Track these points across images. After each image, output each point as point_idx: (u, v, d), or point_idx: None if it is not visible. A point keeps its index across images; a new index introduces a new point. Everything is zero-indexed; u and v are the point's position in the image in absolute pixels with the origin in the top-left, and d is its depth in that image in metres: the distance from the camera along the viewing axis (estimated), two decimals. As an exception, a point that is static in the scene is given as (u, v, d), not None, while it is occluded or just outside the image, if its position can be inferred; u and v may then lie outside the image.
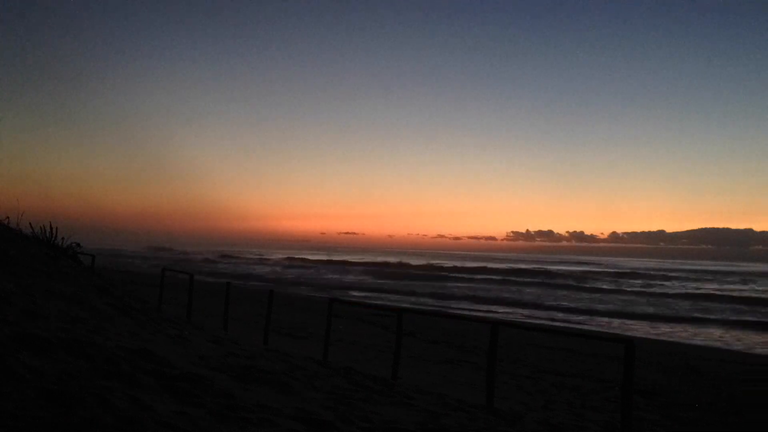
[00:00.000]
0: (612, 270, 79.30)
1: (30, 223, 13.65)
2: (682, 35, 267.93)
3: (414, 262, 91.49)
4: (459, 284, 50.35)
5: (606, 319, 28.23)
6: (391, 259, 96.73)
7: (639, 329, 24.72)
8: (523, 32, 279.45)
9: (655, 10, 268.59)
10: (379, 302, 30.66)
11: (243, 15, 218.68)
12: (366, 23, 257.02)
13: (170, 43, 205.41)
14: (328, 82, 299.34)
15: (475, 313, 27.27)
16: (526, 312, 30.39)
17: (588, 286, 50.63)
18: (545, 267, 79.24)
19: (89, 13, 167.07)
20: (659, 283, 58.33)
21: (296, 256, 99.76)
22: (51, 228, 13.77)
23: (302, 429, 3.97)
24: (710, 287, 53.10)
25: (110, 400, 3.49)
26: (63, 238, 14.01)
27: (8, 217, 13.99)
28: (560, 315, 29.37)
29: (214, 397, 4.25)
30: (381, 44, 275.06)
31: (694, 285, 56.06)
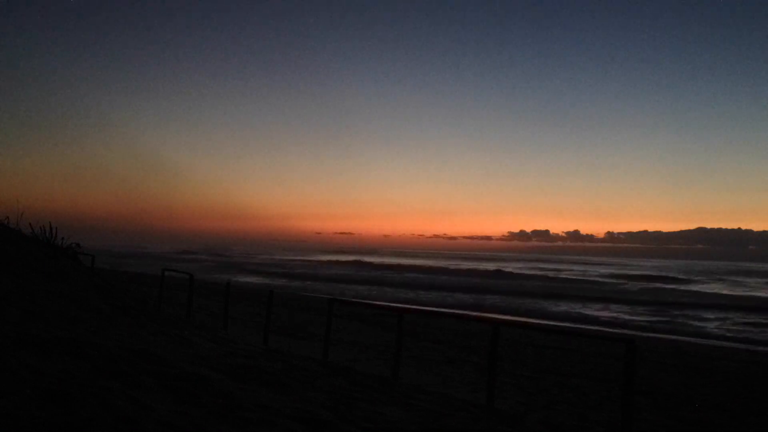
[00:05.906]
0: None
1: (30, 223, 13.64)
2: (680, 35, 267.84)
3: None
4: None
5: None
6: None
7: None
8: (519, 33, 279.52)
9: (654, 11, 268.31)
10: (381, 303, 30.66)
11: (243, 18, 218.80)
12: (360, 26, 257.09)
13: (169, 45, 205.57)
14: (325, 84, 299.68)
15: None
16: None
17: None
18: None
19: (89, 14, 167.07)
20: None
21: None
22: (51, 228, 13.77)
23: (302, 429, 3.96)
24: None
25: (110, 400, 3.48)
26: (63, 238, 14.01)
27: (8, 217, 13.99)
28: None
29: (214, 397, 4.24)
30: (376, 47, 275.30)
31: None
